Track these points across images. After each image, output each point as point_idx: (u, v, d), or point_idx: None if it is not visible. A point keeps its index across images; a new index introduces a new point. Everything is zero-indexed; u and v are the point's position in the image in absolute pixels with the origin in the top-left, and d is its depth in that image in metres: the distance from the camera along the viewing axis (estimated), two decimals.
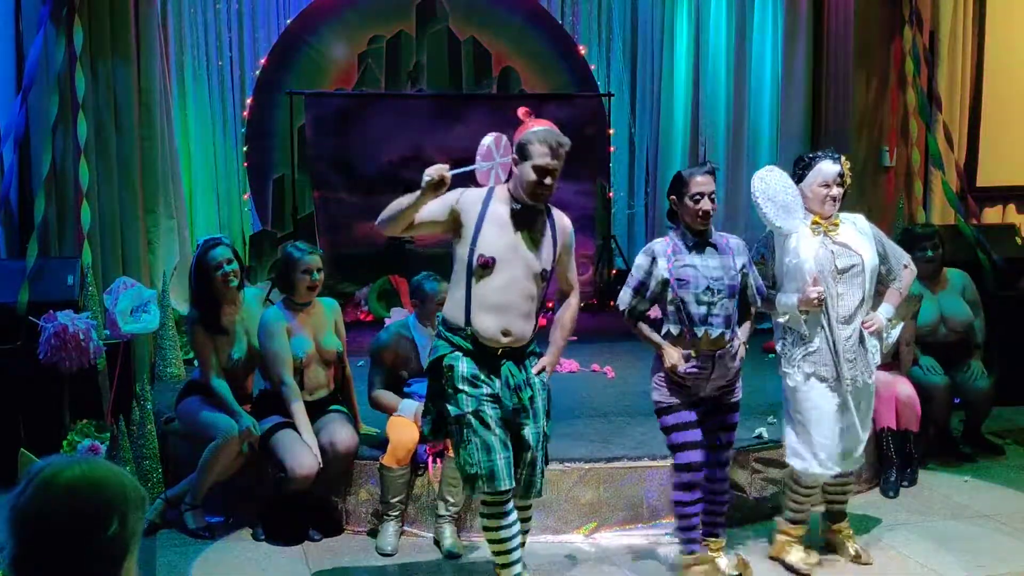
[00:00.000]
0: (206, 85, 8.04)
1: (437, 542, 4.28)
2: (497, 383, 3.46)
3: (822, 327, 3.88)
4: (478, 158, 3.51)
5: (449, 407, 3.46)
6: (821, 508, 4.25)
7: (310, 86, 8.12)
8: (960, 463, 5.35)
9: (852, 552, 4.11)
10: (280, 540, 4.33)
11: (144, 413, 4.72)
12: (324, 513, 4.45)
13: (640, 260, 3.83)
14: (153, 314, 5.04)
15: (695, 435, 3.77)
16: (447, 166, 3.38)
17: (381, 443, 4.40)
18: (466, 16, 8.50)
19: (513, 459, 3.47)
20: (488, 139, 3.53)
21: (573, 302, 3.72)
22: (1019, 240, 6.93)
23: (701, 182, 3.72)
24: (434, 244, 6.52)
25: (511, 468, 3.43)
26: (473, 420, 3.41)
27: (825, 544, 4.21)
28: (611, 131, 8.73)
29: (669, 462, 3.97)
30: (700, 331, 3.69)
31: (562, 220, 3.63)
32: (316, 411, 4.41)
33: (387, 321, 5.59)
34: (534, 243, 3.49)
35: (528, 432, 3.49)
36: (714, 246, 3.78)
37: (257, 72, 8.15)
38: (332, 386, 4.54)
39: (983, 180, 7.31)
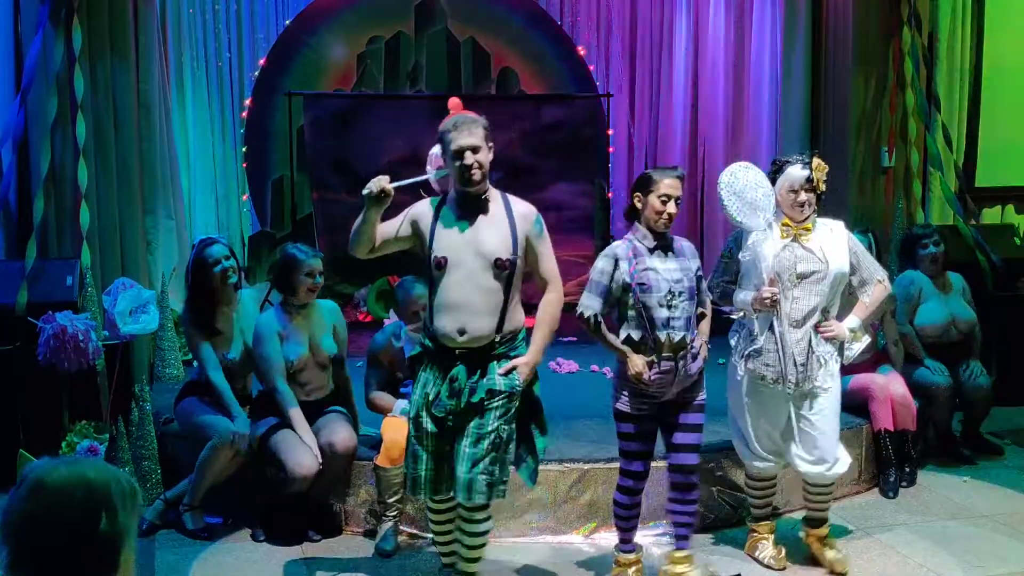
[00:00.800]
0: (205, 86, 8.04)
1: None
2: (443, 386, 3.44)
3: (771, 328, 3.88)
4: (428, 167, 3.52)
5: (406, 406, 3.58)
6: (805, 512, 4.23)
7: (309, 87, 8.12)
8: (960, 463, 5.35)
9: (828, 559, 4.04)
10: (279, 540, 4.33)
11: (143, 414, 4.71)
12: (323, 514, 4.45)
13: (601, 264, 3.75)
14: (152, 315, 5.04)
15: (641, 446, 3.78)
16: (387, 177, 3.38)
17: (378, 443, 4.39)
18: (465, 17, 8.50)
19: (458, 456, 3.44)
20: (436, 148, 3.54)
21: (550, 297, 3.58)
22: (1018, 240, 6.94)
23: (670, 184, 3.69)
24: None
25: (437, 479, 3.49)
26: (412, 426, 3.52)
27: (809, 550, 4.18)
28: (610, 131, 8.73)
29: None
30: (663, 335, 3.65)
31: (520, 207, 3.53)
32: (314, 412, 4.41)
33: (386, 322, 5.58)
34: (487, 233, 3.43)
35: (469, 430, 3.41)
36: (672, 249, 3.77)
37: (256, 73, 8.15)
38: (329, 387, 4.53)
39: (982, 180, 7.32)
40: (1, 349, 4.89)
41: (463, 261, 3.41)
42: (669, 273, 3.69)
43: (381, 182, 3.36)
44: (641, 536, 4.04)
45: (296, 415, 4.28)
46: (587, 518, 4.42)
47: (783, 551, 4.11)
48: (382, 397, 4.48)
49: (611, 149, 8.82)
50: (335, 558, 4.22)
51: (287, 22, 8.22)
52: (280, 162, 8.17)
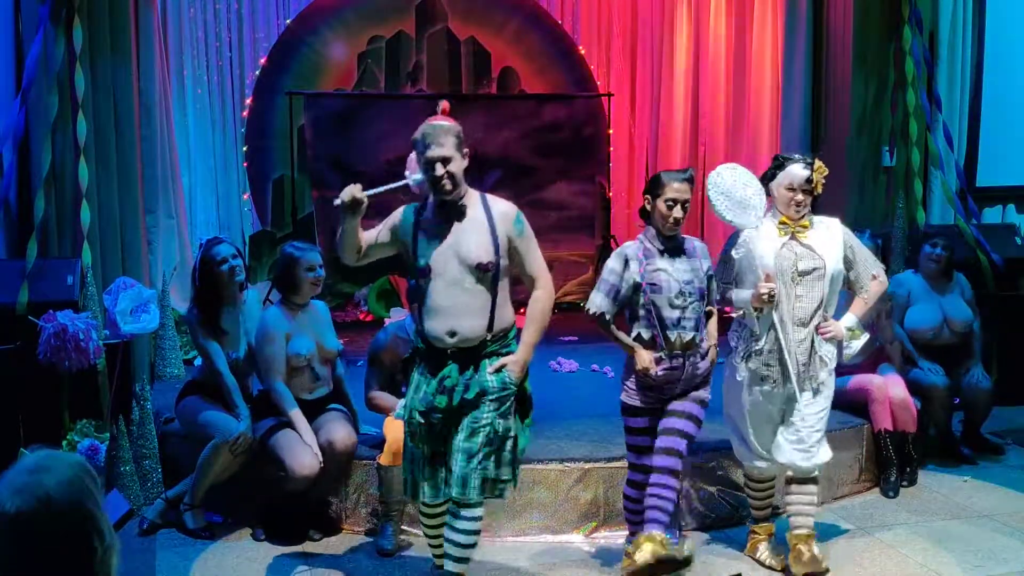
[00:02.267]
0: (206, 85, 8.05)
1: None
2: (434, 385, 3.45)
3: (773, 327, 3.87)
4: (407, 172, 3.52)
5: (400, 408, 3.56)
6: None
7: (309, 86, 8.13)
8: (960, 463, 5.35)
9: (805, 558, 3.91)
10: (280, 540, 4.33)
11: (144, 413, 4.71)
12: (324, 513, 4.45)
13: (612, 263, 3.79)
14: (153, 314, 5.04)
15: (648, 440, 3.80)
16: (359, 186, 3.36)
17: (379, 443, 4.40)
18: (465, 16, 8.51)
19: (449, 456, 3.45)
20: (415, 154, 3.52)
21: (538, 294, 3.55)
22: (1019, 240, 6.94)
23: (677, 188, 3.71)
24: None
25: (434, 482, 3.47)
26: (406, 429, 3.54)
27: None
28: (611, 131, 8.74)
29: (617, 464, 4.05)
30: (672, 335, 3.69)
31: (499, 206, 3.50)
32: (315, 410, 4.41)
33: (386, 321, 5.58)
34: (466, 238, 3.42)
35: (463, 425, 3.41)
36: (683, 249, 3.79)
37: (257, 72, 8.15)
38: (331, 385, 4.54)
39: (983, 180, 7.32)
40: (2, 348, 4.89)
41: (446, 268, 3.41)
42: (679, 273, 3.72)
43: (352, 191, 3.34)
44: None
45: (296, 415, 4.28)
46: (587, 518, 4.42)
47: (783, 552, 4.10)
48: (383, 397, 4.47)
49: (611, 149, 8.82)
50: (335, 557, 4.22)
51: (288, 22, 8.24)
52: (280, 161, 8.18)
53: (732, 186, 3.88)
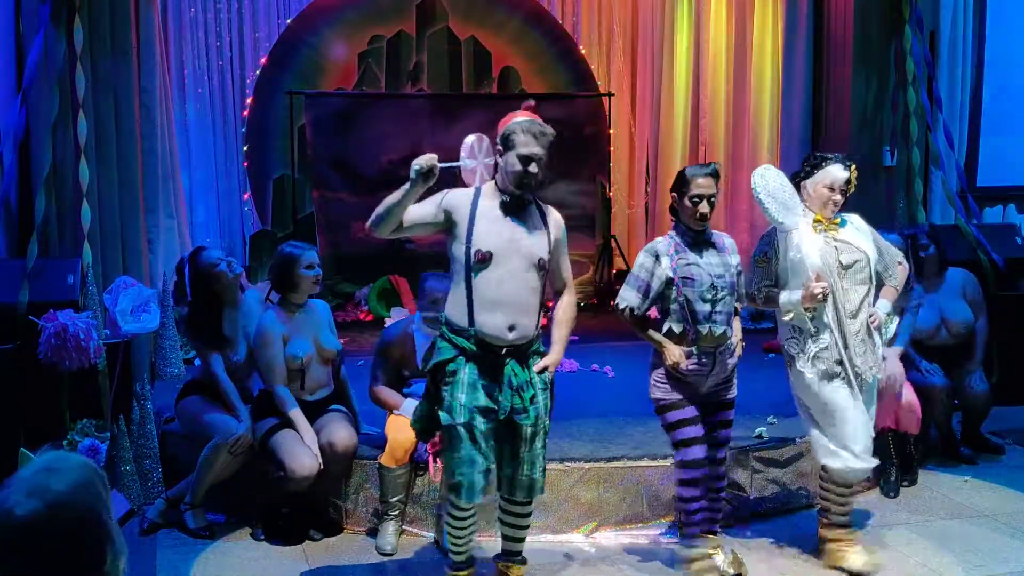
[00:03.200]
0: (206, 85, 8.05)
1: (437, 541, 4.27)
2: (498, 387, 3.44)
3: (828, 323, 3.88)
4: (463, 155, 3.53)
5: (442, 414, 3.47)
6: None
7: (310, 86, 8.12)
8: (960, 463, 5.34)
9: (851, 563, 3.95)
10: (280, 540, 4.33)
11: (144, 413, 4.72)
12: (324, 513, 4.45)
13: (643, 259, 3.83)
14: (153, 314, 5.04)
15: (699, 430, 3.80)
16: (436, 156, 3.39)
17: (380, 443, 4.39)
18: (466, 16, 8.51)
19: (512, 457, 3.50)
20: (471, 138, 3.54)
21: (568, 299, 3.68)
22: (1019, 240, 6.93)
23: (702, 184, 3.75)
24: (434, 244, 6.51)
25: (485, 483, 3.47)
26: (463, 432, 3.42)
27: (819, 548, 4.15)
28: (611, 131, 8.74)
29: (670, 460, 4.00)
30: (704, 328, 3.73)
31: (553, 214, 3.63)
32: (316, 411, 4.41)
33: (387, 321, 5.59)
34: (528, 233, 3.48)
35: (527, 431, 3.48)
36: (713, 244, 3.83)
37: (257, 72, 8.15)
38: (332, 385, 4.53)
39: (983, 180, 7.32)
40: (2, 348, 4.89)
41: (508, 258, 3.43)
42: (711, 268, 3.76)
43: (432, 159, 3.37)
44: (642, 536, 4.04)
45: (297, 415, 4.28)
46: (588, 517, 4.42)
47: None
48: (387, 393, 4.44)
49: (612, 148, 8.82)
50: (335, 557, 4.22)
51: (288, 21, 8.24)
52: (281, 161, 8.18)
53: (776, 187, 3.91)
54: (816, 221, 3.95)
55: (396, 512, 4.31)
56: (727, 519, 4.52)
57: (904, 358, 5.00)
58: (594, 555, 4.22)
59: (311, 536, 4.36)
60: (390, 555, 4.21)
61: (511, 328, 3.43)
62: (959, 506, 4.78)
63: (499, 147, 3.50)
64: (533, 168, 3.44)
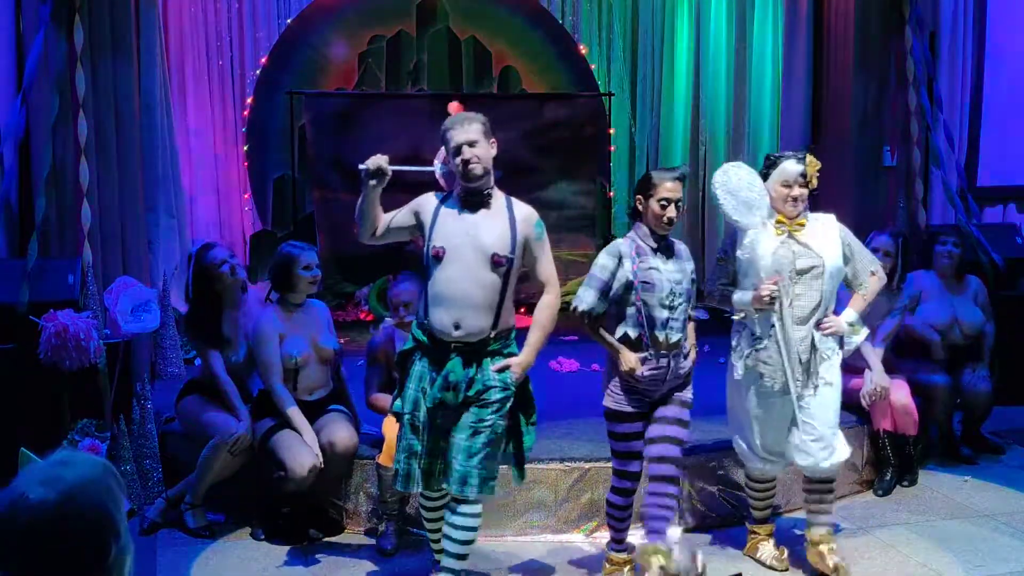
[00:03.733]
0: (206, 85, 8.04)
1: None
2: (440, 380, 3.47)
3: (773, 328, 3.86)
4: (436, 162, 3.58)
5: (396, 402, 3.59)
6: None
7: (310, 86, 8.12)
8: (960, 463, 5.35)
9: (830, 565, 3.93)
10: (280, 540, 4.33)
11: (144, 412, 4.72)
12: (324, 513, 4.46)
13: (604, 260, 3.77)
14: (154, 313, 5.04)
15: (640, 445, 3.78)
16: (385, 157, 3.42)
17: (380, 442, 4.39)
18: (466, 16, 8.50)
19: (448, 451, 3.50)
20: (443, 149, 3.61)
21: (548, 299, 3.63)
22: (1020, 240, 6.93)
23: (670, 188, 3.69)
24: None
25: (429, 474, 3.51)
26: (406, 420, 3.53)
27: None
28: (611, 131, 8.74)
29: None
30: (661, 335, 3.68)
31: (522, 210, 3.59)
32: (315, 411, 4.41)
33: (386, 320, 5.58)
34: (486, 227, 3.48)
35: (464, 422, 3.45)
36: (672, 250, 3.79)
37: (257, 72, 8.15)
38: (331, 385, 4.53)
39: (983, 180, 7.32)
40: (2, 348, 4.89)
41: (461, 254, 3.44)
42: (670, 274, 3.71)
43: (379, 160, 3.41)
44: (641, 536, 4.02)
45: (295, 414, 4.28)
46: (588, 517, 4.42)
47: (785, 552, 4.10)
48: (383, 398, 4.47)
49: (612, 148, 8.82)
50: (335, 557, 4.22)
51: (288, 21, 8.23)
52: (281, 161, 8.18)
53: (738, 185, 3.87)
54: (778, 222, 3.92)
55: (395, 512, 4.31)
56: (727, 519, 4.54)
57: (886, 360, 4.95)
58: (594, 555, 4.22)
59: (311, 536, 4.36)
60: (390, 554, 4.21)
61: (456, 325, 3.44)
62: (959, 506, 4.78)
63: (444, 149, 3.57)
64: (466, 153, 3.45)
